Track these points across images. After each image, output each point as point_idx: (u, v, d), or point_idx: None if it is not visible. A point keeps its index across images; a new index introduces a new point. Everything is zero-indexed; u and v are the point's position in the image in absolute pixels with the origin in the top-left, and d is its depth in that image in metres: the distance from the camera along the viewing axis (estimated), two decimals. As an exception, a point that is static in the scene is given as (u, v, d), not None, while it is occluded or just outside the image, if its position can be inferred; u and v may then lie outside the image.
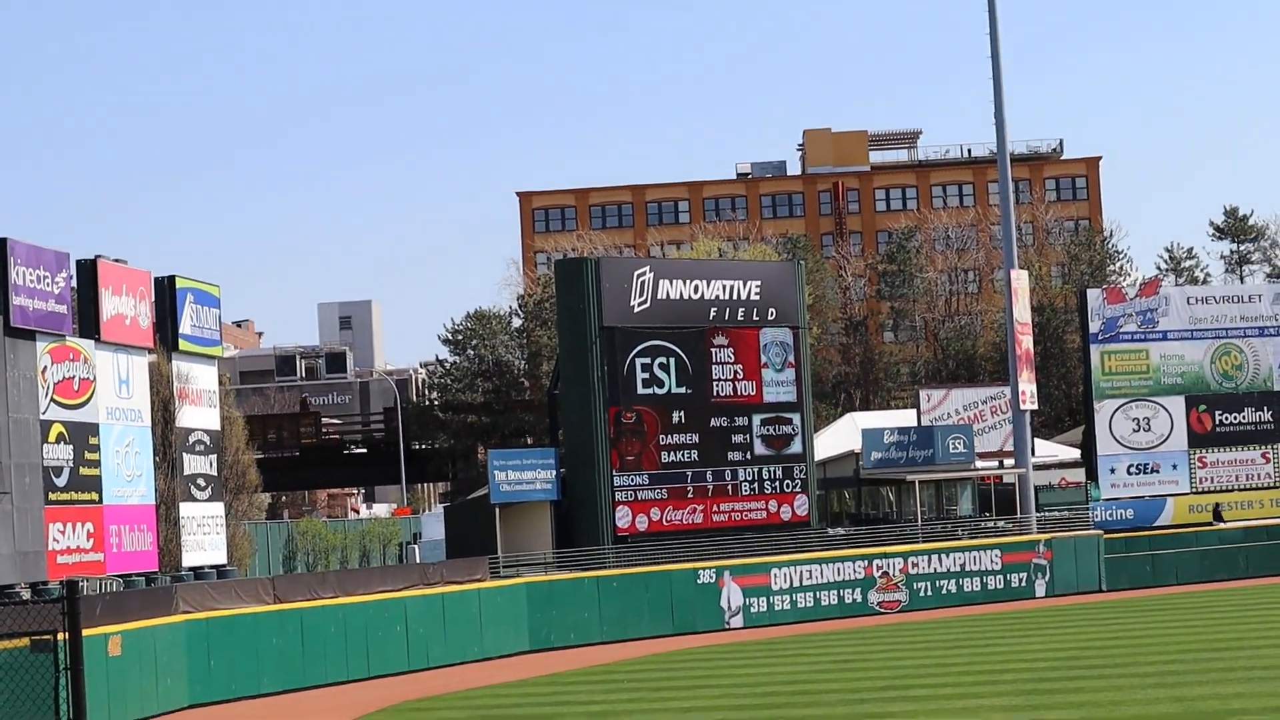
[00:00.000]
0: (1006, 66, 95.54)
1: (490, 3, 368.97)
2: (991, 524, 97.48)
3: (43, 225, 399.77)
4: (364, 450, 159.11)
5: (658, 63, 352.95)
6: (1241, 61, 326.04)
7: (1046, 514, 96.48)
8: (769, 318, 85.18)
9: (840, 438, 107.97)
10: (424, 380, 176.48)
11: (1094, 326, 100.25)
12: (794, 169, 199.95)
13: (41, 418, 57.80)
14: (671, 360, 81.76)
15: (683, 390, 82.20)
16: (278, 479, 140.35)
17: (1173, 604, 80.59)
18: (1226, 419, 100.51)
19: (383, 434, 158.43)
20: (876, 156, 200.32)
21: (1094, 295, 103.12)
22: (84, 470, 60.39)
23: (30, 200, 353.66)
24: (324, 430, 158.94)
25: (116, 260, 64.19)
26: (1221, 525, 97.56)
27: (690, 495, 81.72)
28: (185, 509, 67.50)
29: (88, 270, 61.26)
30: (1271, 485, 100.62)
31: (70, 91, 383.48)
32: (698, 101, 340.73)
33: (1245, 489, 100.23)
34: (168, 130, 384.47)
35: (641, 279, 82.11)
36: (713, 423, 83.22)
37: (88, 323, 61.16)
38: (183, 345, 67.79)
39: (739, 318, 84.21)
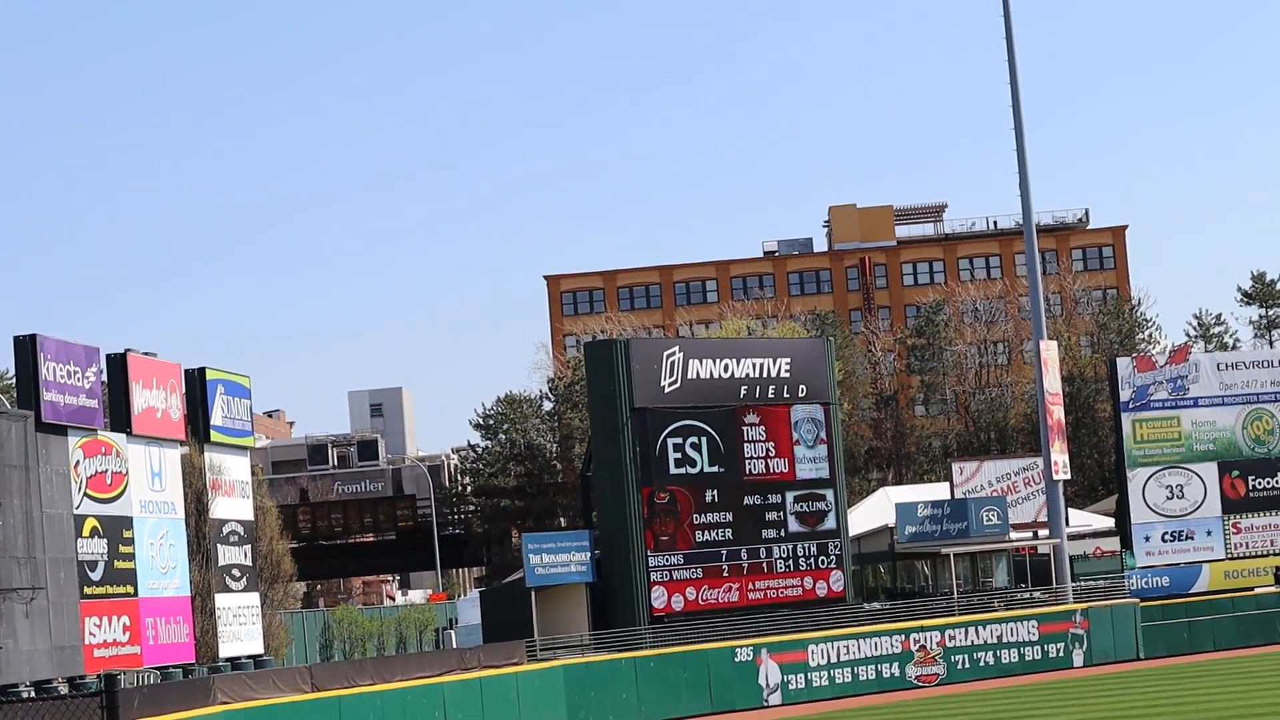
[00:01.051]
0: (1030, 138, 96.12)
1: (513, 86, 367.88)
2: (1027, 595, 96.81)
3: (71, 319, 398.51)
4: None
5: (682, 143, 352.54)
6: (1265, 126, 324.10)
7: (1082, 583, 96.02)
8: (799, 394, 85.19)
9: (874, 512, 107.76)
10: (456, 465, 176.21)
11: (1125, 395, 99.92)
12: (820, 245, 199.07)
13: (75, 512, 57.80)
14: (703, 439, 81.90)
15: (715, 469, 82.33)
16: (311, 568, 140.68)
17: (1211, 670, 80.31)
18: (1259, 484, 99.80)
19: (415, 521, 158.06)
20: (902, 231, 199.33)
21: (1124, 364, 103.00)
22: (119, 564, 60.38)
23: (58, 295, 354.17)
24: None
25: (146, 354, 64.35)
26: (1276, 588, 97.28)
27: (725, 574, 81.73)
28: (221, 600, 67.52)
29: (118, 364, 61.48)
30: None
31: (97, 185, 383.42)
32: (723, 181, 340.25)
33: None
34: (195, 221, 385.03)
35: (671, 359, 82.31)
36: (746, 501, 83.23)
37: (119, 416, 61.30)
38: (215, 437, 67.94)
39: (769, 395, 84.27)
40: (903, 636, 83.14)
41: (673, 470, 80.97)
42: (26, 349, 57.17)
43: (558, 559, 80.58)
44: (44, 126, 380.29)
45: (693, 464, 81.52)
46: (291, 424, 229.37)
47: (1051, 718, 64.95)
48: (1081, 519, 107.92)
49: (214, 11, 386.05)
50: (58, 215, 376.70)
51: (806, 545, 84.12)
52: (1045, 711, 67.28)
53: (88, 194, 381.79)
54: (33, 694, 50.09)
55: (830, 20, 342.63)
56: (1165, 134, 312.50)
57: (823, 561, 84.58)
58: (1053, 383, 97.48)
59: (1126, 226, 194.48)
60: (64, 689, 52.84)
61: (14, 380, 60.95)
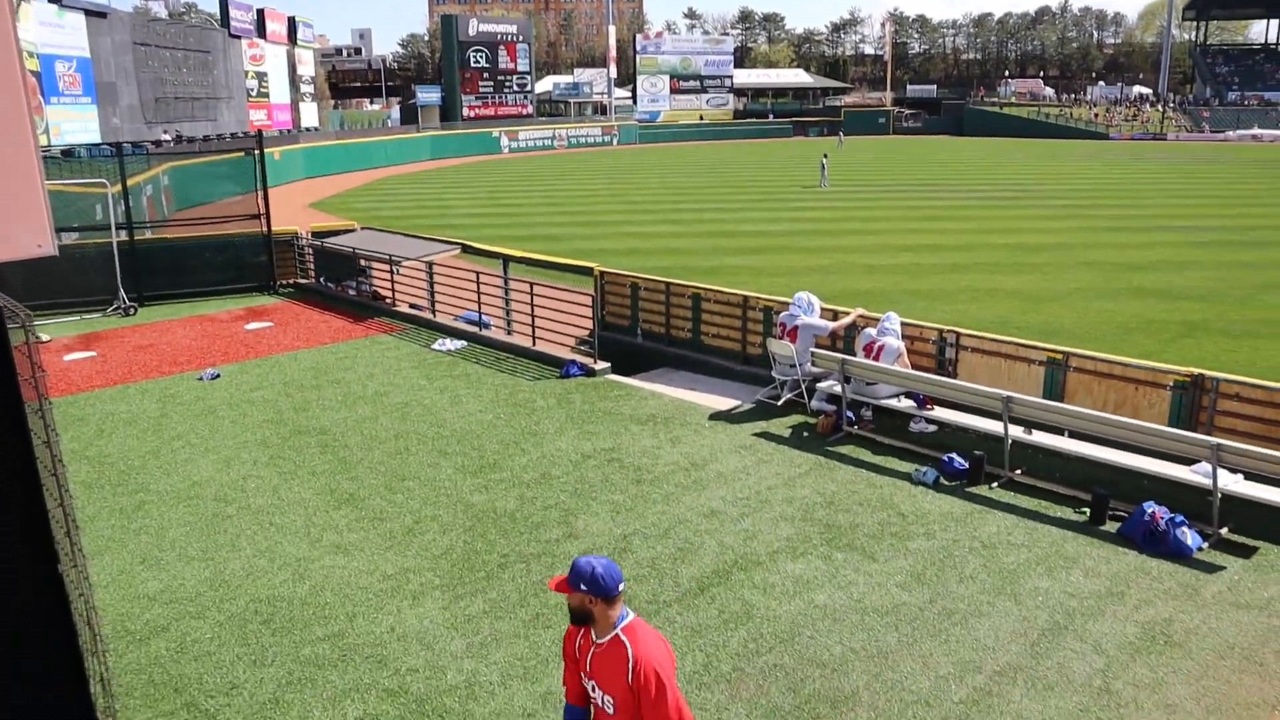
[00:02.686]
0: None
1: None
2: (601, 117, 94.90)
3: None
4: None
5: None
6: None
7: (618, 115, 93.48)
8: (519, 39, 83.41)
9: (543, 86, 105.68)
10: (392, 56, 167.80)
11: (639, 46, 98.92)
12: None
13: (244, 69, 57.84)
14: (485, 54, 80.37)
15: (488, 66, 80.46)
16: (335, 94, 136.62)
17: (656, 153, 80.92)
18: (684, 84, 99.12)
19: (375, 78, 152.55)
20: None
21: (639, 38, 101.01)
22: (261, 88, 60.61)
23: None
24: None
25: (271, 10, 63.32)
26: (706, 122, 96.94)
27: (490, 103, 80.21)
28: (302, 105, 67.83)
29: (260, 12, 60.63)
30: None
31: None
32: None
33: (695, 109, 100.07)
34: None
35: (471, 22, 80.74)
36: (500, 77, 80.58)
37: (261, 33, 60.66)
38: (299, 44, 67.18)
39: (509, 39, 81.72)
40: (555, 133, 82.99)
41: (471, 65, 79.61)
42: (225, 4, 56.46)
43: (428, 96, 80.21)
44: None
45: (481, 62, 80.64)
46: (327, 38, 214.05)
47: (601, 161, 65.11)
48: (621, 95, 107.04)
49: None
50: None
51: (517, 95, 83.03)
52: (603, 157, 68.42)
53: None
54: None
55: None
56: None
57: (524, 101, 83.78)
58: (611, 46, 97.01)
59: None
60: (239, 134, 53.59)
61: (219, 16, 59.32)
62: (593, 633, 3.90)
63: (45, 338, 15.85)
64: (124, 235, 18.36)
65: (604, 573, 3.79)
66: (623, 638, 3.84)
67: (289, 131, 63.54)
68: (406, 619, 7.05)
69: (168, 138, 41.32)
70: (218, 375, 13.54)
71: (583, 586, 3.79)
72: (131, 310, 17.91)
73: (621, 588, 3.83)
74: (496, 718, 5.94)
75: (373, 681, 6.33)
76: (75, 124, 39.68)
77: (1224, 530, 8.03)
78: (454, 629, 6.90)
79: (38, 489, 2.80)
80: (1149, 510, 7.97)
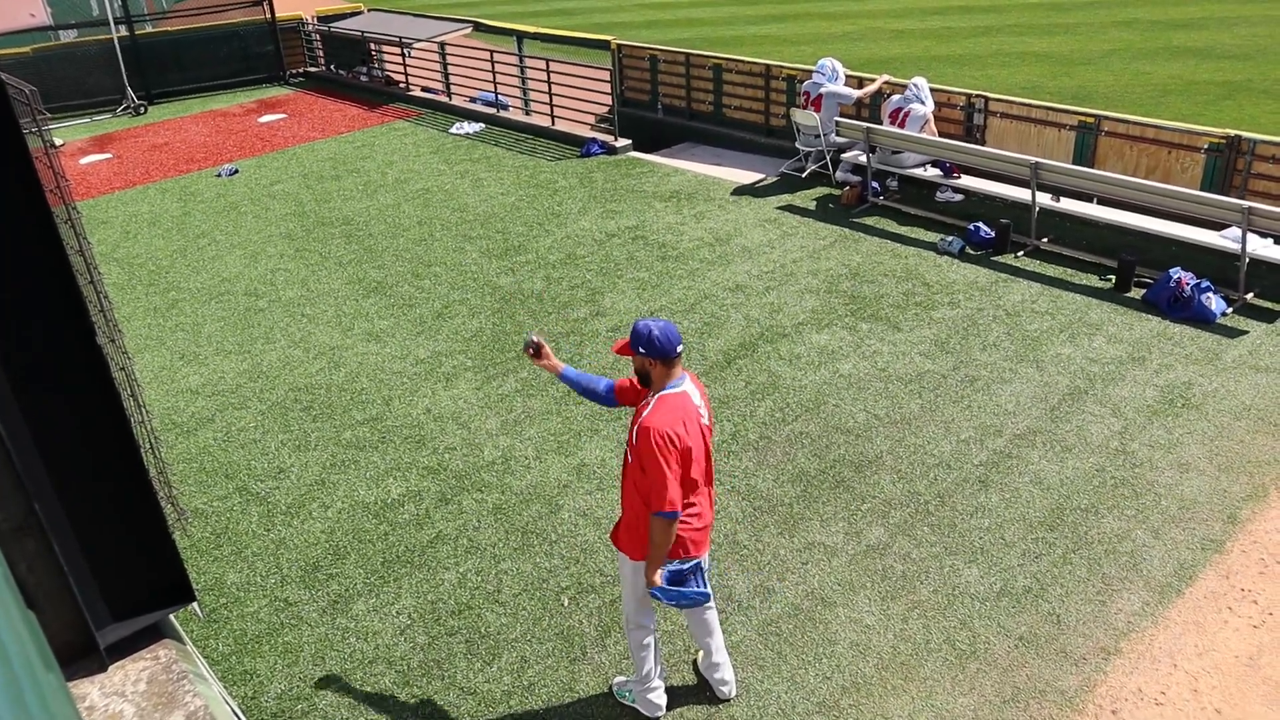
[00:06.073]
0: None
1: None
2: None
3: None
4: None
5: None
6: None
7: None
8: None
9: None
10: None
11: None
12: None
13: None
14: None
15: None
16: None
17: None
18: None
19: None
20: None
21: None
22: None
23: None
24: None
25: None
26: None
27: None
28: None
29: None
30: None
31: None
32: None
33: None
34: None
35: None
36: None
37: None
38: None
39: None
40: None
41: None
42: None
43: None
44: None
45: None
46: None
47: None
48: None
49: None
50: None
51: None
52: None
53: None
54: None
55: None
56: None
57: None
58: None
59: None
60: None
61: None
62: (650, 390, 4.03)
63: (59, 142, 15.76)
64: (124, 30, 17.88)
65: (660, 335, 3.88)
66: (652, 401, 3.95)
67: None
68: (441, 400, 7.29)
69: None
70: (236, 171, 13.54)
71: (641, 349, 3.89)
72: (141, 109, 17.68)
73: (680, 349, 3.93)
74: (532, 489, 6.22)
75: (413, 460, 6.61)
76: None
77: (1249, 295, 8.05)
78: (488, 408, 7.14)
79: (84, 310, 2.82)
80: (1175, 276, 7.98)
